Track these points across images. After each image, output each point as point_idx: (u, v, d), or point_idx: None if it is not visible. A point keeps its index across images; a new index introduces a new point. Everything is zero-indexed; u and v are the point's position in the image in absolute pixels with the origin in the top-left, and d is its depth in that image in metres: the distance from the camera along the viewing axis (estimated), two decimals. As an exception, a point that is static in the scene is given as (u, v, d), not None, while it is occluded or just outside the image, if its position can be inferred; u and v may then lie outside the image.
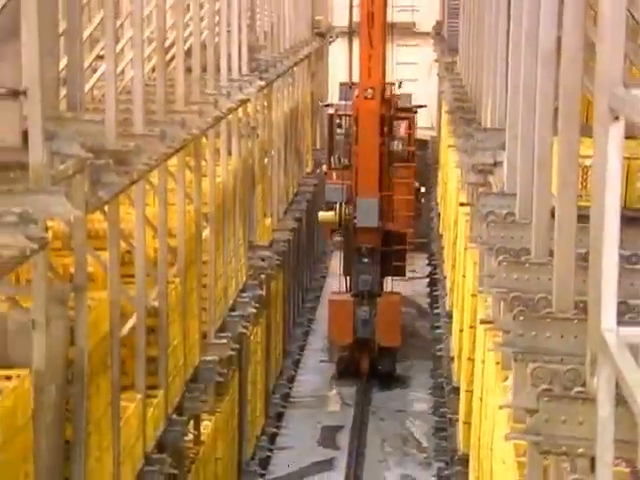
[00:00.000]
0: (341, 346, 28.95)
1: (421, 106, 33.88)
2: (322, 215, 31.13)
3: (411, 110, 32.85)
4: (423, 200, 34.06)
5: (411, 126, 33.35)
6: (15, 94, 11.22)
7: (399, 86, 33.02)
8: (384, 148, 28.62)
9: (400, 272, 30.44)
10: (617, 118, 5.80)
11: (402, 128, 33.63)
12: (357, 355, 28.10)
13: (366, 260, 27.35)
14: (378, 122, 27.81)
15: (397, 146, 32.09)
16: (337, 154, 33.80)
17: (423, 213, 39.67)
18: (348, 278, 28.93)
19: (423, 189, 33.46)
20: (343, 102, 35.85)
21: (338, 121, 34.59)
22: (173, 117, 17.08)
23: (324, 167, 36.13)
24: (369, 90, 27.74)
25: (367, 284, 27.55)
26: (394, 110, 30.71)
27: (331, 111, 35.86)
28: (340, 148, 34.11)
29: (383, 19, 27.92)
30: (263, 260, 25.83)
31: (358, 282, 27.72)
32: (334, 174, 31.90)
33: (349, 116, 32.07)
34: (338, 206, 29.09)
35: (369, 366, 28.22)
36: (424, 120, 42.41)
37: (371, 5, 27.01)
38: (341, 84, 40.45)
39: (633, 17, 8.13)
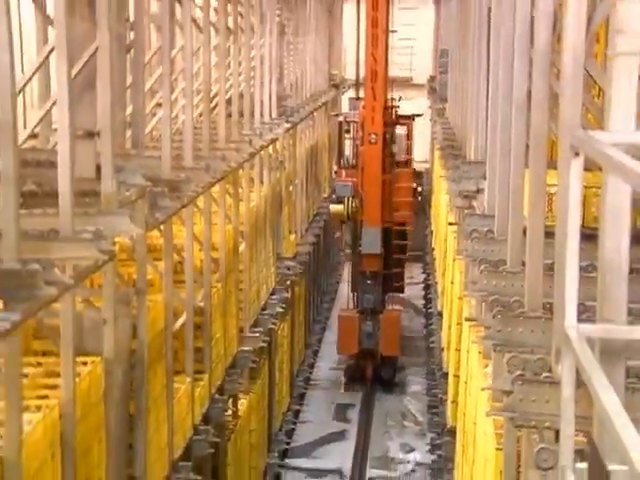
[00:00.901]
0: (349, 356, 28.22)
1: (418, 115, 32.59)
2: (333, 207, 30.01)
3: (409, 117, 31.31)
4: (420, 197, 32.81)
5: (409, 135, 31.55)
6: (91, 135, 11.30)
7: (399, 99, 31.17)
8: (386, 178, 27.71)
9: (399, 290, 29.47)
10: (577, 154, 5.67)
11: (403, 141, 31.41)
12: (362, 363, 27.43)
13: (370, 282, 26.65)
14: (381, 163, 26.96)
15: (398, 153, 30.06)
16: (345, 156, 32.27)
17: (419, 230, 37.78)
18: (355, 295, 28.06)
19: (420, 188, 32.15)
20: (352, 112, 34.97)
21: (346, 127, 32.91)
22: (216, 153, 17.11)
23: (335, 167, 34.96)
24: (372, 135, 26.82)
25: (371, 302, 26.85)
26: (395, 117, 29.63)
27: (340, 119, 34.57)
28: (348, 150, 32.67)
29: (385, 75, 27.04)
30: (289, 269, 25.57)
31: (363, 300, 27.07)
32: (343, 172, 30.52)
33: (356, 122, 31.10)
34: (347, 200, 28.12)
35: (373, 373, 27.53)
36: (420, 155, 41.74)
37: (374, 64, 26.20)
38: (350, 99, 40.16)
39: (589, 73, 8.18)
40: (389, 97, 29.47)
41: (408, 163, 30.75)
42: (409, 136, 31.47)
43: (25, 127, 11.25)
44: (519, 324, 8.74)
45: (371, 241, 26.37)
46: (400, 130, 30.69)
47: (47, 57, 10.67)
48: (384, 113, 27.76)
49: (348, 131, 32.48)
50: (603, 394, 4.79)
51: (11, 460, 8.45)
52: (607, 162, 5.19)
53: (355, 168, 29.13)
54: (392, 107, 29.29)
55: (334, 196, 31.02)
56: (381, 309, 27.38)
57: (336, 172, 33.04)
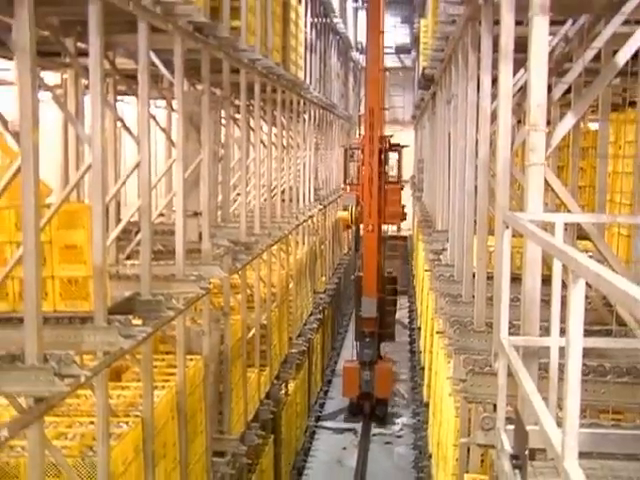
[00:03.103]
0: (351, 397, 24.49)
1: (405, 146, 28.28)
2: (340, 214, 26.22)
3: (399, 145, 27.29)
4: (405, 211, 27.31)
5: (400, 158, 27.67)
6: (196, 214, 11.32)
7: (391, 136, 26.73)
8: (381, 260, 24.29)
9: (391, 338, 25.41)
10: (507, 227, 5.72)
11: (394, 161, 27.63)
12: (362, 402, 24.00)
13: (368, 340, 23.47)
14: (377, 248, 23.52)
15: (390, 170, 26.48)
16: (350, 176, 28.38)
17: (405, 274, 37.19)
18: (358, 344, 24.28)
19: (405, 205, 26.58)
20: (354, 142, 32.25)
21: (350, 153, 28.99)
22: (274, 225, 17.14)
23: (342, 184, 30.90)
24: (370, 226, 23.43)
25: (368, 356, 23.63)
26: (388, 145, 25.51)
27: (346, 147, 30.46)
28: (352, 171, 28.87)
29: (379, 175, 23.64)
30: (321, 299, 25.52)
31: (363, 354, 23.69)
32: (348, 188, 27.20)
33: (357, 149, 27.25)
34: (351, 208, 24.64)
35: (370, 409, 23.95)
36: (406, 225, 41.23)
37: (370, 172, 23.22)
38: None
39: (514, 175, 8.16)
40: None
41: (399, 180, 26.95)
42: (399, 160, 27.94)
43: (156, 209, 11.31)
44: (470, 336, 8.66)
45: (368, 308, 23.38)
46: (393, 156, 27.24)
47: (170, 166, 10.78)
48: (380, 141, 24.00)
49: (352, 156, 29.20)
50: (524, 381, 4.81)
51: (147, 419, 8.54)
52: (525, 232, 5.22)
53: (357, 184, 25.81)
54: (386, 137, 25.41)
55: (341, 205, 27.42)
56: (377, 360, 24.08)
57: (343, 188, 29.83)
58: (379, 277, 23.55)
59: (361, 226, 25.01)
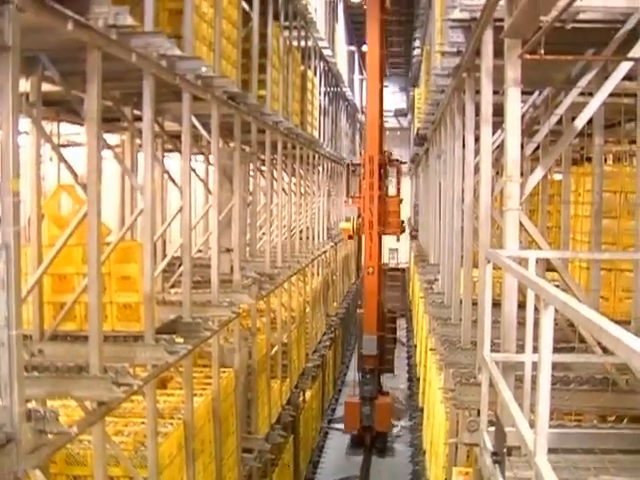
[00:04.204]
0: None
1: (404, 162, 25.69)
2: (343, 224, 23.50)
3: (398, 161, 24.56)
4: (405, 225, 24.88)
5: (399, 171, 24.76)
6: (228, 250, 11.26)
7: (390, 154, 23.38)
8: (382, 299, 21.27)
9: (391, 371, 22.55)
10: (489, 261, 5.73)
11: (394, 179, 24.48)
12: (363, 435, 20.94)
13: (369, 376, 20.32)
14: (377, 290, 20.46)
15: (390, 184, 23.57)
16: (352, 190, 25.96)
17: (404, 301, 36.15)
18: (359, 376, 20.97)
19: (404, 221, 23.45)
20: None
21: (352, 168, 26.67)
22: (294, 259, 17.05)
23: (344, 197, 27.54)
24: (370, 268, 20.49)
25: (369, 392, 20.37)
26: (388, 160, 22.19)
27: (347, 162, 28.30)
28: (354, 185, 26.57)
29: (378, 225, 20.70)
30: (332, 321, 25.36)
31: (363, 391, 20.42)
32: (350, 200, 24.00)
33: (359, 165, 24.35)
34: (353, 219, 21.77)
35: (370, 442, 21.00)
36: (403, 258, 41.01)
37: (371, 216, 20.48)
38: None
39: (494, 217, 8.16)
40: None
41: (398, 193, 24.09)
42: (399, 180, 25.09)
43: (195, 246, 11.34)
44: (458, 352, 8.59)
45: (369, 345, 20.30)
46: (391, 176, 24.14)
47: (207, 210, 10.83)
48: (380, 157, 20.91)
49: (354, 171, 26.81)
50: (503, 390, 4.82)
51: (188, 421, 8.51)
52: (504, 266, 5.25)
53: (359, 197, 22.68)
54: (386, 152, 22.31)
55: (344, 216, 24.40)
56: (376, 396, 20.77)
57: (345, 201, 26.64)
58: (379, 315, 20.72)
59: (363, 237, 21.81)
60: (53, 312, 7.37)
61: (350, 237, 23.08)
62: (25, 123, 7.10)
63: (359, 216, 21.58)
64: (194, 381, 9.11)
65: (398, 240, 25.62)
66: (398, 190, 25.05)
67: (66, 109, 9.97)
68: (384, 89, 20.69)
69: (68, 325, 7.34)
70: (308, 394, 19.68)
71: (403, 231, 23.82)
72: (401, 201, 23.33)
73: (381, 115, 20.76)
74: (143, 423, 7.82)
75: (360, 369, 20.63)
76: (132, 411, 8.66)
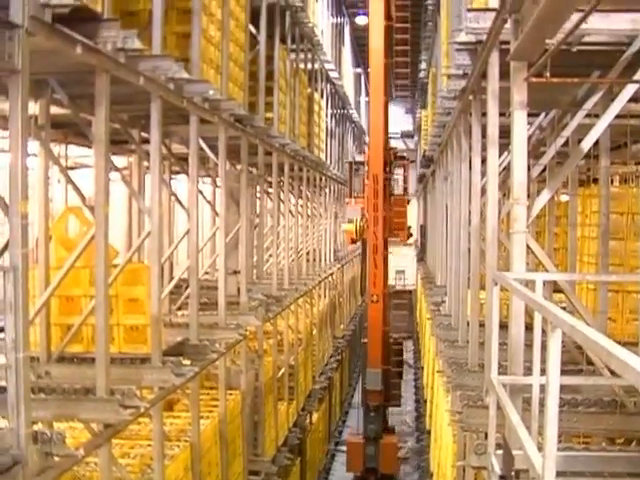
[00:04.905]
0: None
1: (413, 161, 24.42)
2: (345, 226, 21.58)
3: (405, 158, 23.63)
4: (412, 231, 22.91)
5: (405, 169, 23.55)
6: (235, 272, 11.32)
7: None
8: (387, 329, 19.18)
9: (397, 404, 20.90)
10: (496, 284, 5.73)
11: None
12: (366, 476, 18.56)
13: (373, 414, 18.28)
14: (382, 319, 18.51)
15: (397, 184, 22.13)
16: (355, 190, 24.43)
17: (411, 323, 35.93)
18: (362, 418, 19.01)
19: (411, 226, 22.20)
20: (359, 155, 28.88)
21: (355, 167, 25.37)
22: (301, 281, 17.04)
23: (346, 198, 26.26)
24: (374, 296, 18.28)
25: (373, 432, 18.28)
26: (394, 157, 19.61)
27: (350, 160, 27.25)
28: (357, 184, 24.84)
29: (384, 238, 18.20)
30: (339, 343, 25.31)
31: (367, 430, 18.31)
32: (353, 201, 23.00)
33: (362, 164, 22.69)
34: (356, 220, 19.77)
35: None
36: (410, 280, 40.64)
37: (375, 239, 18.02)
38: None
39: (501, 240, 8.12)
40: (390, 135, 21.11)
41: (405, 192, 22.84)
42: (405, 178, 23.65)
43: (202, 268, 11.35)
44: (465, 375, 8.54)
45: (373, 380, 18.40)
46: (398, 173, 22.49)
47: (214, 232, 10.85)
48: (385, 154, 18.60)
49: (357, 170, 25.08)
50: (510, 413, 4.80)
51: (195, 444, 8.49)
52: (511, 288, 5.24)
53: (362, 197, 21.15)
54: (392, 149, 19.97)
55: (347, 218, 22.25)
56: (381, 435, 18.69)
57: (347, 202, 25.05)
58: (385, 347, 19.04)
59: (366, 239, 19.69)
60: (60, 334, 7.38)
61: (353, 241, 21.33)
62: (34, 145, 7.14)
63: (362, 217, 19.84)
64: (201, 403, 9.09)
65: (409, 239, 23.56)
66: (405, 189, 23.71)
67: (74, 132, 10.05)
68: (389, 108, 19.37)
69: (75, 347, 7.36)
70: (315, 416, 19.59)
71: (410, 236, 22.23)
72: (409, 202, 21.76)
73: (385, 115, 19.02)
74: (150, 445, 7.81)
75: (364, 405, 18.68)
76: (139, 433, 8.63)
